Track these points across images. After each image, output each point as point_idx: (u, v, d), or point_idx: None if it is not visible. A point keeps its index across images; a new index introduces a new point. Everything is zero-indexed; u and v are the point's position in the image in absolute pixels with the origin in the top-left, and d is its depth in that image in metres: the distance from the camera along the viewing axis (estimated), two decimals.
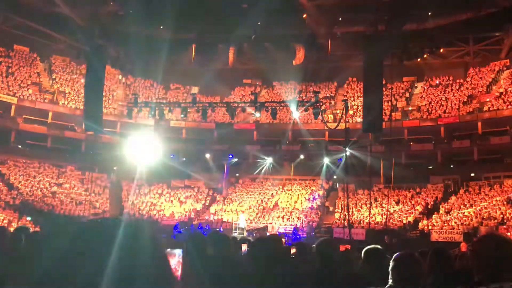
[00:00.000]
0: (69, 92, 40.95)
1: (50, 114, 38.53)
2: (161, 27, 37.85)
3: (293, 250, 7.56)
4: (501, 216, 27.35)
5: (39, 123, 37.88)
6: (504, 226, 25.93)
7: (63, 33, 39.71)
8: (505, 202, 28.97)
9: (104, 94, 31.11)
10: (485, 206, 29.56)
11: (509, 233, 22.90)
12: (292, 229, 30.21)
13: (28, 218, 29.15)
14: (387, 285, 3.16)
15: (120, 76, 44.58)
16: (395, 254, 3.25)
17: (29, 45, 41.37)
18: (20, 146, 37.19)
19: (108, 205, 35.43)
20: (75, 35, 38.68)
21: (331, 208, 35.64)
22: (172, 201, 37.35)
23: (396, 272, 3.14)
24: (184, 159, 39.59)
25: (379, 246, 4.16)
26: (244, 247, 7.36)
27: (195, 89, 44.05)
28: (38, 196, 33.45)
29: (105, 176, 38.73)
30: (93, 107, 25.20)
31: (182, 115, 31.77)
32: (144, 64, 42.34)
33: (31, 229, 6.46)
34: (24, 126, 37.02)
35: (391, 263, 3.20)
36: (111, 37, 33.89)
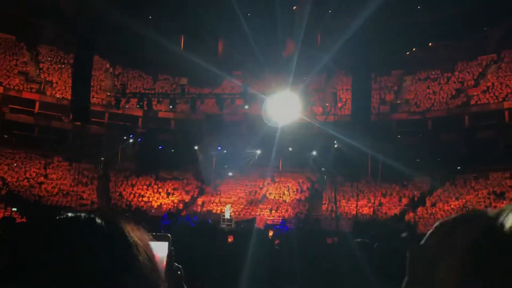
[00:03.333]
0: (57, 82, 40.47)
1: (37, 104, 38.13)
2: (150, 17, 37.65)
3: (277, 242, 7.61)
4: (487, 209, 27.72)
5: (25, 113, 37.48)
6: None
7: (51, 22, 39.29)
8: (490, 196, 29.34)
9: (92, 84, 30.86)
10: (471, 199, 29.91)
11: None
12: (280, 220, 30.36)
13: (14, 209, 28.93)
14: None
15: (108, 66, 44.18)
16: (375, 245, 3.28)
17: (16, 33, 40.77)
18: (6, 136, 36.80)
19: (95, 197, 35.29)
20: (63, 24, 38.40)
21: (319, 200, 35.81)
22: (160, 193, 37.25)
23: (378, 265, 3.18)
24: (173, 150, 39.49)
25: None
26: (231, 238, 7.37)
27: (184, 80, 43.81)
28: (25, 186, 33.19)
29: (93, 167, 38.48)
30: (81, 97, 25.04)
31: (171, 106, 31.64)
32: (132, 54, 42.10)
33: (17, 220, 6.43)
34: (10, 116, 36.60)
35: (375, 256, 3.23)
36: (100, 27, 33.58)
